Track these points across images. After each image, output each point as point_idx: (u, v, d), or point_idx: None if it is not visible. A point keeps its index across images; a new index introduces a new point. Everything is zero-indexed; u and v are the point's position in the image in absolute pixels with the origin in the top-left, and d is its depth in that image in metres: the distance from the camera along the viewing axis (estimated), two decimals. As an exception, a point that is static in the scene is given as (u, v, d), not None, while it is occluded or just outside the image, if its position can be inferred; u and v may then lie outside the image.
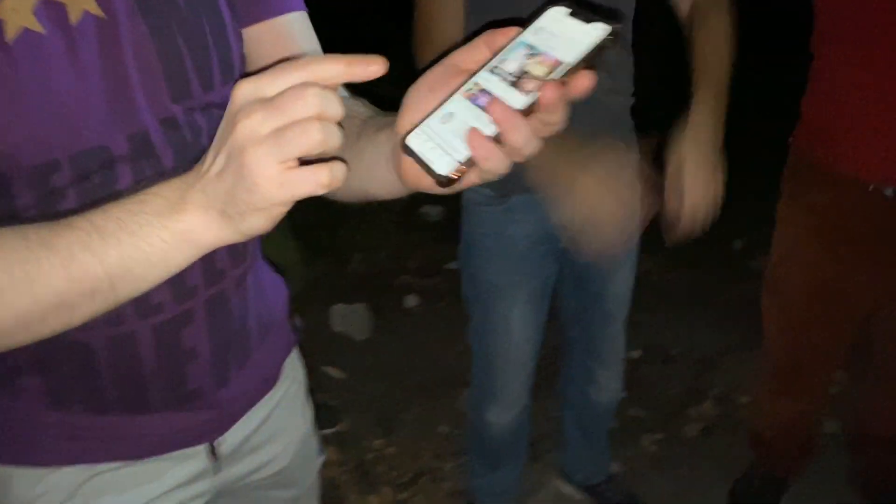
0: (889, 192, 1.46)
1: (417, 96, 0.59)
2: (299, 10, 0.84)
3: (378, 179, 0.67)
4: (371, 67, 0.52)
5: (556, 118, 0.54)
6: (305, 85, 0.50)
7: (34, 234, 0.57)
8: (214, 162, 0.53)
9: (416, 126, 0.56)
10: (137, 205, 0.56)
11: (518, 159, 0.55)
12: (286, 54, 0.80)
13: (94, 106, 0.68)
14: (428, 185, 0.57)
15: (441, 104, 0.57)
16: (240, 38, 0.80)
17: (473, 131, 0.53)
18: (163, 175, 0.73)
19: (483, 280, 1.58)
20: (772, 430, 1.88)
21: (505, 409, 1.69)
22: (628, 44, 1.48)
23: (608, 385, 1.80)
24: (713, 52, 1.36)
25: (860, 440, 1.89)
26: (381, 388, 2.44)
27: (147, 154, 0.72)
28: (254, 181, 0.50)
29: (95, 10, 0.67)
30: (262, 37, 0.82)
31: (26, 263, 0.56)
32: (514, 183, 1.08)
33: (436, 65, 0.60)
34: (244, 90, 0.52)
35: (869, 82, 1.44)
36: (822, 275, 1.60)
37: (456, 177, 0.54)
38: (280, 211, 0.53)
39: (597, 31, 0.54)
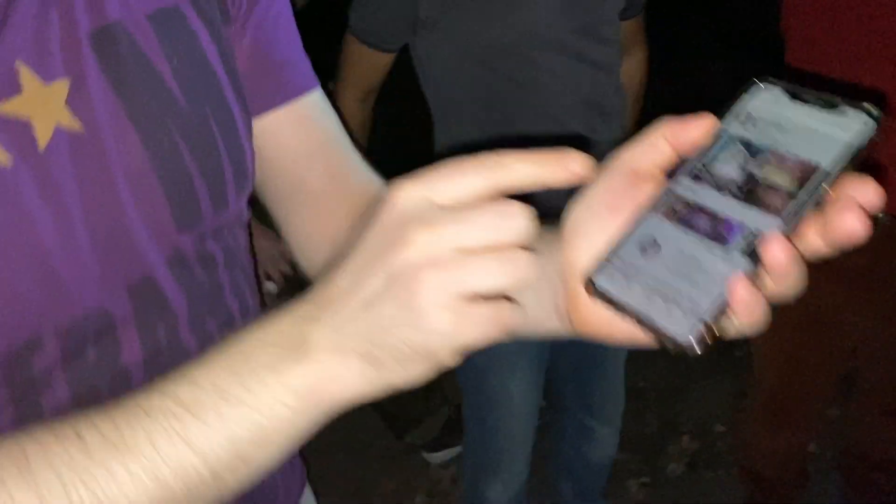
0: (885, 218, 1.44)
1: (590, 214, 0.46)
2: (316, 85, 0.69)
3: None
4: (572, 167, 0.40)
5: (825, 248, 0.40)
6: (505, 201, 0.39)
7: (64, 446, 0.40)
8: (361, 286, 0.39)
9: (606, 260, 0.43)
10: (239, 360, 0.41)
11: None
12: (310, 143, 0.66)
13: (82, 256, 0.51)
14: (623, 337, 0.44)
15: (634, 228, 0.43)
16: (251, 133, 0.63)
17: (737, 277, 0.39)
18: (177, 337, 0.57)
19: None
20: (766, 462, 1.83)
21: (507, 486, 1.56)
22: (620, 81, 1.43)
23: (607, 441, 1.70)
24: (627, 91, 1.46)
25: (849, 463, 1.87)
26: (348, 461, 2.26)
27: (156, 307, 0.56)
28: (426, 316, 0.38)
29: (70, 122, 0.50)
30: (280, 126, 0.66)
31: (74, 486, 0.39)
32: None
33: (606, 170, 0.46)
34: (413, 194, 0.39)
35: None
36: (817, 303, 1.57)
37: (702, 341, 0.39)
38: (447, 360, 0.40)
39: (855, 123, 0.41)
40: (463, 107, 1.36)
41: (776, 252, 0.38)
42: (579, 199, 0.47)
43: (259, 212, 0.70)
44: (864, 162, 0.41)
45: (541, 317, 0.50)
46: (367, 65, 1.41)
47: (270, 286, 1.63)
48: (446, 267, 0.37)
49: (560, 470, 1.82)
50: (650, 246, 0.43)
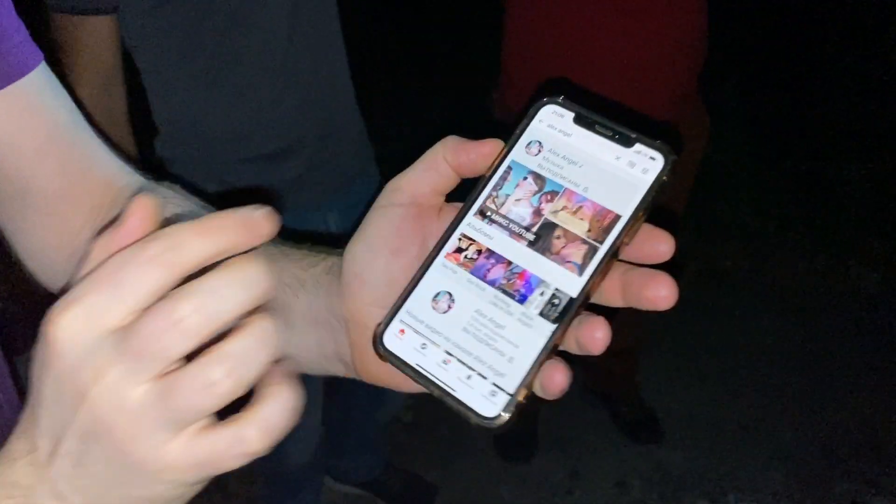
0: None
1: (371, 258, 0.41)
2: (39, 61, 0.54)
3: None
4: (259, 230, 0.32)
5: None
6: (182, 294, 0.30)
7: None
8: (61, 450, 0.32)
9: (395, 316, 0.39)
10: None
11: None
12: (36, 136, 0.53)
13: None
14: (419, 389, 0.39)
15: (422, 275, 0.40)
16: None
17: (555, 368, 0.36)
18: None
19: None
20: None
21: (306, 442, 1.53)
22: None
23: (395, 401, 1.74)
24: None
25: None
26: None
27: None
28: (145, 468, 0.31)
29: None
30: None
31: None
32: None
33: (383, 199, 0.42)
34: (74, 328, 0.30)
35: None
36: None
37: (509, 417, 0.36)
38: (198, 487, 0.33)
39: (651, 164, 0.38)
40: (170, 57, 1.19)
41: (598, 338, 0.36)
42: (358, 238, 0.42)
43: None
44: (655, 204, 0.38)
45: (320, 362, 0.46)
46: (88, 40, 1.15)
47: None
48: (143, 409, 0.30)
49: (348, 428, 1.79)
50: (442, 300, 0.39)
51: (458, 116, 2.59)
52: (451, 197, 0.43)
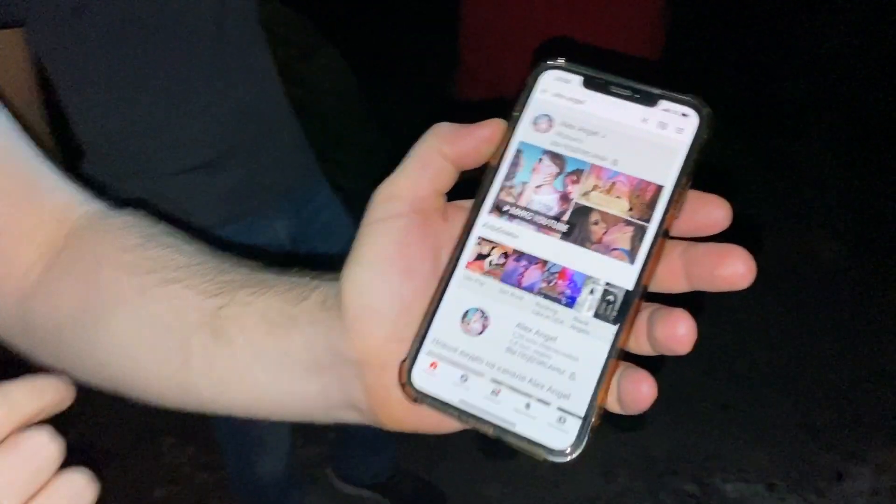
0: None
1: (377, 283, 0.35)
2: None
3: (277, 402, 0.40)
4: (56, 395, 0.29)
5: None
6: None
7: None
8: None
9: (419, 349, 0.33)
10: None
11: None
12: None
13: None
14: (456, 427, 0.35)
15: (442, 295, 0.34)
16: None
17: (639, 378, 0.31)
18: None
19: None
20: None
21: (277, 458, 1.45)
22: None
23: None
24: None
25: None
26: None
27: None
28: None
29: None
30: None
31: None
32: None
33: (377, 211, 0.36)
34: None
35: None
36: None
37: (585, 445, 0.31)
38: None
39: (685, 123, 0.33)
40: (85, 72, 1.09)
41: (682, 334, 0.31)
42: (356, 261, 0.35)
43: None
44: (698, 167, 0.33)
45: (327, 412, 0.39)
46: None
47: None
48: None
49: (350, 427, 1.67)
50: (474, 319, 0.33)
51: (416, 111, 2.52)
52: (449, 195, 0.37)
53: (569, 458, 0.31)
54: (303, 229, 1.32)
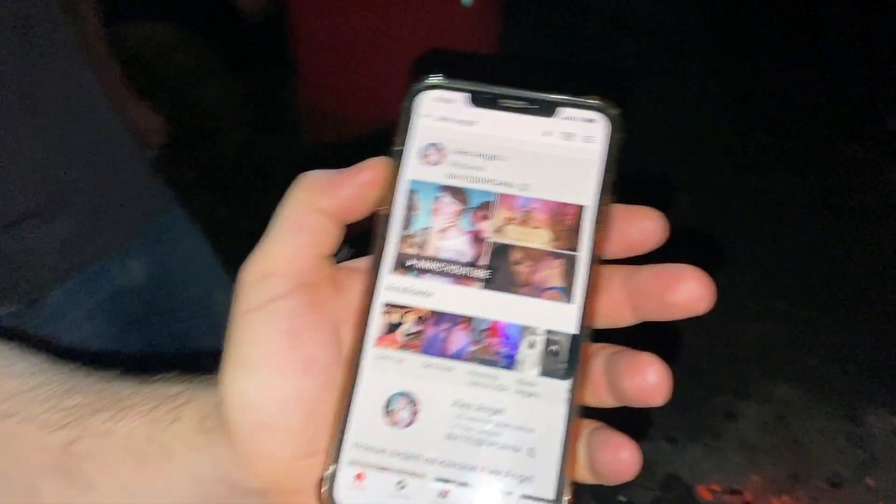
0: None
1: (272, 389, 0.28)
2: None
3: None
4: None
5: None
6: None
7: None
8: None
9: (337, 460, 0.27)
10: None
11: None
12: None
13: None
14: None
15: (352, 384, 0.28)
16: None
17: (605, 433, 0.27)
18: None
19: None
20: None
21: None
22: None
23: None
24: None
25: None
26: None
27: None
28: None
29: None
30: None
31: None
32: None
33: (252, 296, 0.29)
34: None
35: None
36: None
37: None
38: None
39: (593, 129, 0.29)
40: None
41: (652, 382, 0.27)
42: (237, 365, 0.28)
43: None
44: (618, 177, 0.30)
45: None
46: None
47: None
48: None
49: None
50: (399, 407, 0.28)
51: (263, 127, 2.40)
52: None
53: None
54: (163, 264, 1.20)
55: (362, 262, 0.30)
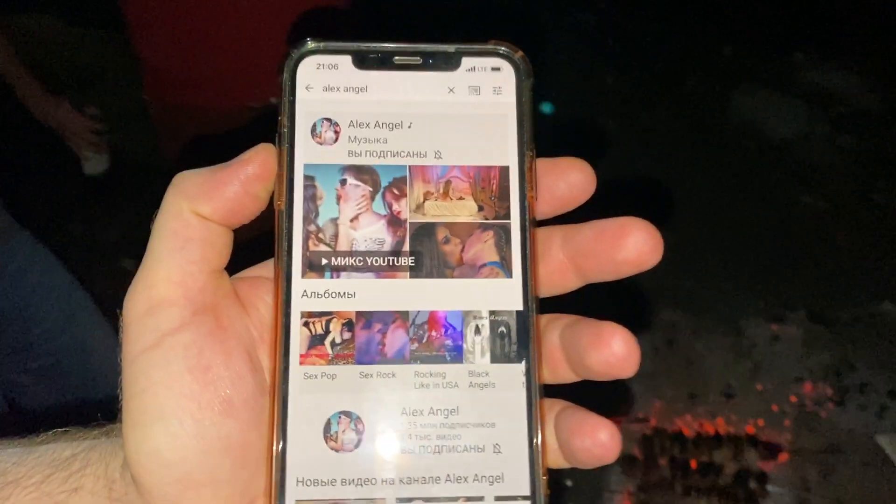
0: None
1: (189, 439, 0.23)
2: None
3: None
4: None
5: None
6: None
7: None
8: None
9: (282, 500, 0.23)
10: None
11: None
12: None
13: None
14: None
15: (282, 414, 0.24)
16: None
17: (575, 413, 0.25)
18: None
19: None
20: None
21: None
22: None
23: None
24: None
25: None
26: None
27: None
28: None
29: None
30: None
31: None
32: None
33: (143, 332, 0.24)
34: None
35: None
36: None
37: None
38: None
39: (499, 78, 0.26)
40: None
41: (618, 353, 0.25)
42: (142, 416, 0.24)
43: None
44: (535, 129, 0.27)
45: None
46: None
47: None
48: None
49: None
50: (342, 429, 0.24)
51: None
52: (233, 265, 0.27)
53: None
54: (9, 297, 1.08)
55: (265, 269, 0.26)
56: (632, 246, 0.25)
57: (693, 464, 1.57)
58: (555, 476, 0.25)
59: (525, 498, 0.24)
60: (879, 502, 1.55)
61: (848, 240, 2.17)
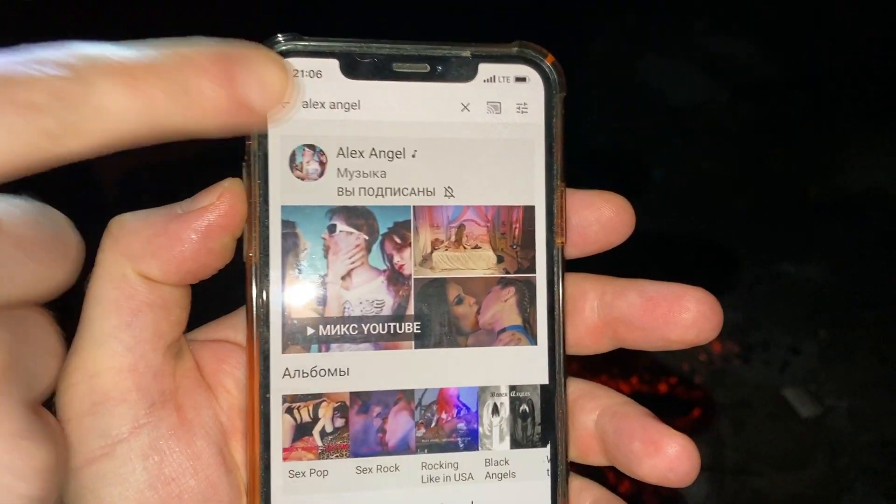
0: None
1: None
2: None
3: None
4: None
5: None
6: None
7: None
8: None
9: None
10: None
11: None
12: None
13: None
14: None
15: None
16: None
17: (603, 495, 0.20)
18: None
19: None
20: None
21: None
22: None
23: None
24: None
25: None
26: None
27: None
28: None
29: None
30: None
31: None
32: None
33: (85, 439, 0.19)
34: None
35: None
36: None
37: None
38: None
39: (528, 91, 0.21)
40: None
41: (672, 455, 0.21)
42: None
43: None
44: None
45: None
46: None
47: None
48: None
49: None
50: None
51: None
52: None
53: None
54: None
55: (232, 329, 0.20)
56: (690, 323, 0.21)
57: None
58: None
59: None
60: (787, 450, 1.62)
61: (748, 204, 2.25)
